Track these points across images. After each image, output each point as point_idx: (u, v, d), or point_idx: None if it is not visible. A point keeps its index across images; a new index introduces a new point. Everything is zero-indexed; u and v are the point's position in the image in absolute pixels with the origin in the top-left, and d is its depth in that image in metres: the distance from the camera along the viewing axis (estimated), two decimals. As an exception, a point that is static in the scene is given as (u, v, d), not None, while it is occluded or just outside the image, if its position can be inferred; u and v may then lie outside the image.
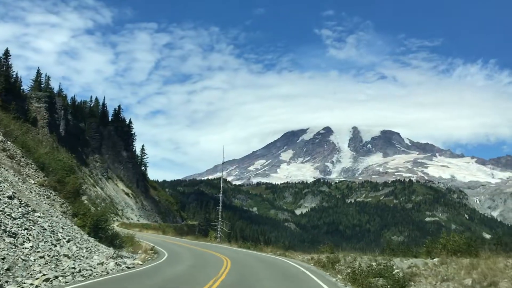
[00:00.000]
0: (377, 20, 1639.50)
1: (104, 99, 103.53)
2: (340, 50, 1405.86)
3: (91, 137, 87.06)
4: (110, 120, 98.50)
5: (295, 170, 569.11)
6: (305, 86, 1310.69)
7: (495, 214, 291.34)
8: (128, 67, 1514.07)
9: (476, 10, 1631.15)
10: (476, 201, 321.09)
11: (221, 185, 38.39)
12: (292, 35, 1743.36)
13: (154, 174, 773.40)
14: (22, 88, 67.59)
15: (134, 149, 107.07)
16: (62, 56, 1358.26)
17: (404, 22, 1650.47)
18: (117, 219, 64.25)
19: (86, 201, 60.02)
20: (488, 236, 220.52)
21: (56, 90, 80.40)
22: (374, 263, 16.87)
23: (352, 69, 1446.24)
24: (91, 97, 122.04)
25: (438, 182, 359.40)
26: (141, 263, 17.82)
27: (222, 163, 35.43)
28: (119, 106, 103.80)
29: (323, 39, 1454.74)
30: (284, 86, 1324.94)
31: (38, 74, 74.95)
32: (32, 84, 73.34)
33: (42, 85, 74.57)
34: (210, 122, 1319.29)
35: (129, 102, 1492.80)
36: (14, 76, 65.76)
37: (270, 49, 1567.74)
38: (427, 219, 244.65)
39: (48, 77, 78.48)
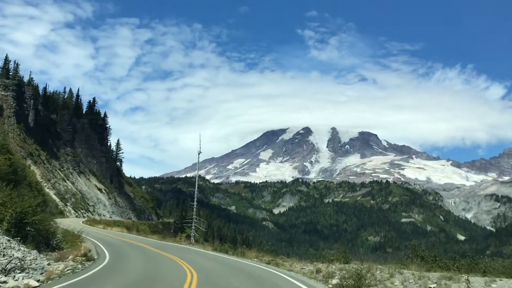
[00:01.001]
0: (360, 22, 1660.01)
1: (78, 91, 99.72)
2: (322, 51, 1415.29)
3: (63, 130, 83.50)
4: (84, 112, 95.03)
5: (274, 170, 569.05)
6: (287, 86, 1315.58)
7: (469, 216, 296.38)
8: (108, 62, 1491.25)
9: (456, 16, 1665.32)
10: (451, 203, 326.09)
11: (197, 177, 35.83)
12: (275, 34, 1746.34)
13: (132, 171, 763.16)
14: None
15: (109, 144, 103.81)
16: (40, 49, 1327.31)
17: (386, 26, 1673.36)
18: (87, 215, 61.27)
19: (55, 195, 56.99)
20: (462, 238, 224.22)
21: (26, 79, 76.55)
22: (432, 285, 12.51)
23: (333, 70, 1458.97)
24: (65, 88, 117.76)
25: (414, 184, 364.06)
26: (35, 285, 11.24)
27: (198, 153, 33.01)
28: (93, 99, 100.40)
29: (305, 39, 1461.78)
30: (265, 86, 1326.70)
31: (6, 61, 71.07)
32: (-1, 72, 69.47)
33: (10, 73, 70.69)
34: (190, 120, 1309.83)
35: (108, 97, 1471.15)
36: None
37: (252, 48, 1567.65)
38: (403, 220, 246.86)
39: (17, 64, 74.58)
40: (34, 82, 79.87)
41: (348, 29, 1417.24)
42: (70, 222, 33.89)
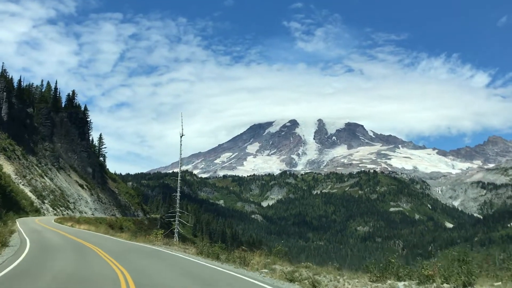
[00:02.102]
0: (345, 13, 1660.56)
1: (56, 83, 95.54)
2: (308, 43, 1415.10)
3: (40, 124, 79.71)
4: (63, 106, 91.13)
5: (262, 163, 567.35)
6: (273, 79, 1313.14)
7: (456, 203, 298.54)
8: (92, 58, 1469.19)
9: (440, 6, 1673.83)
10: (438, 191, 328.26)
11: (180, 164, 33.06)
12: (261, 27, 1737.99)
13: (119, 167, 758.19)
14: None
15: (90, 138, 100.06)
16: (22, 46, 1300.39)
17: (371, 16, 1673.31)
18: (67, 213, 58.01)
19: (30, 192, 53.60)
20: (450, 225, 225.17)
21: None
22: None
23: (320, 62, 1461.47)
24: (42, 81, 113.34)
25: (401, 173, 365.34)
26: None
27: (181, 136, 30.24)
28: (73, 91, 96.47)
29: (291, 31, 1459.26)
30: (252, 79, 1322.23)
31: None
32: (-31, 63, 65.31)
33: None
34: (176, 115, 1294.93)
35: (93, 94, 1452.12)
36: None
37: (238, 41, 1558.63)
38: (392, 209, 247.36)
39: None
40: (8, 75, 75.75)
41: (334, 20, 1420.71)
42: (39, 220, 30.96)
